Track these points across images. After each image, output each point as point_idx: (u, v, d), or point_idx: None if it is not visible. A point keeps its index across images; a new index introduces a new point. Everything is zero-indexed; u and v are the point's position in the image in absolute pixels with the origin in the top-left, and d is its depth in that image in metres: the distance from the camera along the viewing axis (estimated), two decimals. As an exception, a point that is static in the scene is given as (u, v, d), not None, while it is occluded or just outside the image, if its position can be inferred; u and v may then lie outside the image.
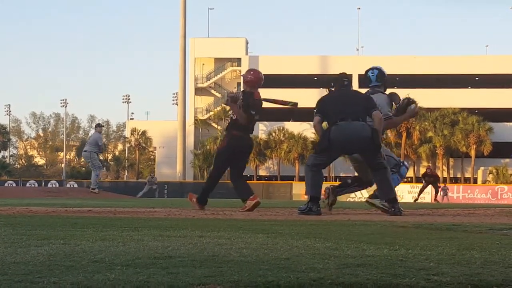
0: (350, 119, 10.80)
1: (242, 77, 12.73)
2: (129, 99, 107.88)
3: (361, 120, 10.87)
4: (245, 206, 12.11)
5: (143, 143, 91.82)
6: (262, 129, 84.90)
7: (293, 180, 69.66)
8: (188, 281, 3.03)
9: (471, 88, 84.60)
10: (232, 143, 12.45)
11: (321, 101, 11.33)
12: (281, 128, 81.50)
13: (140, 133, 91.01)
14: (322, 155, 11.05)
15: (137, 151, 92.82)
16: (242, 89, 12.64)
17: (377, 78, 12.18)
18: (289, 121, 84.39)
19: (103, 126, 30.79)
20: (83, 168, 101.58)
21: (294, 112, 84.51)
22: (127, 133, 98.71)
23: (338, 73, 11.67)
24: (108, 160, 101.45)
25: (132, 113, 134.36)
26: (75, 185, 59.16)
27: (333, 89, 11.47)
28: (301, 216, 10.36)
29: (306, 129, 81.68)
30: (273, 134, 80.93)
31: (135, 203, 19.53)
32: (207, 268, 3.43)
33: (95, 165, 26.49)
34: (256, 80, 12.55)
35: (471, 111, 78.52)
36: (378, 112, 11.05)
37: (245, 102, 12.24)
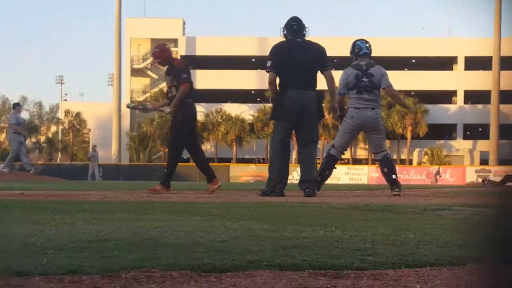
0: (301, 88, 10.78)
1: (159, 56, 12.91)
2: (62, 80, 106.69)
3: (311, 89, 10.87)
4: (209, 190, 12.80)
5: (77, 125, 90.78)
6: (199, 111, 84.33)
7: (230, 163, 69.71)
8: (122, 264, 2.99)
9: (407, 70, 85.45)
10: (190, 110, 12.56)
11: (275, 55, 11.05)
12: (219, 109, 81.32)
13: (74, 114, 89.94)
14: (281, 124, 10.98)
15: (71, 133, 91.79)
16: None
17: None
18: (227, 102, 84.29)
19: (22, 105, 30.20)
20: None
21: (232, 94, 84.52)
22: (60, 114, 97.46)
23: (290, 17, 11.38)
24: (41, 142, 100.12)
25: (66, 94, 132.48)
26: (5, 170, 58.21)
27: (285, 33, 11.20)
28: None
29: (244, 111, 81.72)
30: (210, 116, 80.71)
31: (68, 186, 19.34)
32: (142, 252, 3.40)
33: (13, 147, 26.24)
34: (167, 52, 13.03)
35: (408, 93, 79.17)
36: (331, 72, 11.04)
37: (178, 75, 12.48)
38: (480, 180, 46.66)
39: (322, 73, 10.97)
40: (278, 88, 11.06)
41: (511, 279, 1.40)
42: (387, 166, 12.16)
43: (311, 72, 10.91)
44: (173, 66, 12.77)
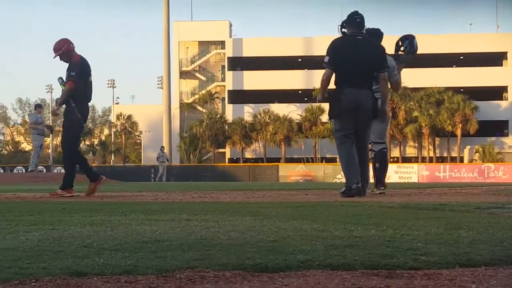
0: (358, 86, 10.51)
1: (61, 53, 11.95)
2: (114, 83, 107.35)
3: (367, 87, 10.61)
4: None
5: (129, 128, 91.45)
6: (247, 112, 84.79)
7: (279, 162, 69.67)
8: (176, 264, 3.05)
9: (456, 67, 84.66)
10: (74, 113, 11.75)
11: (333, 50, 10.60)
12: (267, 110, 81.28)
13: (125, 117, 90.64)
14: (340, 122, 10.59)
15: (123, 136, 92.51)
16: None
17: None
18: (274, 103, 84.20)
19: (42, 107, 31.70)
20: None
21: (279, 94, 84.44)
22: (113, 117, 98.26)
23: (351, 11, 10.83)
24: (94, 145, 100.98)
25: (118, 98, 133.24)
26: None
27: (344, 30, 10.72)
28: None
29: (292, 111, 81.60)
30: (259, 116, 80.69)
31: (122, 187, 19.50)
32: (195, 252, 3.44)
33: (33, 145, 27.13)
34: (67, 46, 11.97)
35: (456, 90, 78.46)
36: (386, 75, 10.72)
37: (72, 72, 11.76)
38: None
39: (377, 73, 10.67)
40: (334, 85, 10.74)
41: None
42: (380, 162, 11.89)
43: (370, 71, 10.60)
44: (71, 62, 11.96)
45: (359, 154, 10.80)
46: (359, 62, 10.45)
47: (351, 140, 10.69)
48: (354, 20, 10.66)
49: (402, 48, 12.00)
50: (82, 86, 11.80)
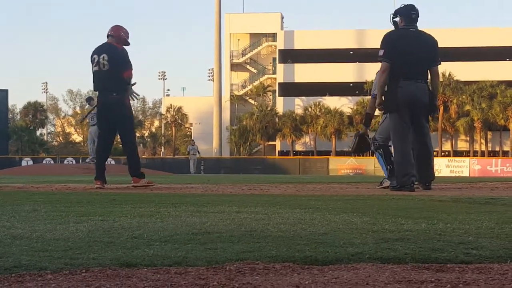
0: (414, 79, 10.29)
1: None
2: (164, 75, 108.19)
3: (423, 81, 10.40)
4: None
5: (179, 120, 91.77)
6: (298, 104, 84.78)
7: (329, 155, 69.51)
8: (226, 256, 3.06)
9: (509, 60, 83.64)
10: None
11: (388, 43, 10.48)
12: (317, 103, 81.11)
13: (176, 109, 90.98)
14: (397, 115, 10.37)
15: (173, 128, 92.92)
16: None
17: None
18: (326, 96, 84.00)
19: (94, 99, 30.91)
20: (120, 145, 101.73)
21: (330, 87, 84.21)
22: (163, 109, 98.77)
23: (404, 4, 10.63)
24: (145, 137, 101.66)
25: (168, 90, 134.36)
26: (112, 162, 59.34)
27: (396, 20, 10.57)
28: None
29: (343, 105, 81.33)
30: (309, 109, 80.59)
31: (171, 179, 19.64)
32: (245, 244, 3.45)
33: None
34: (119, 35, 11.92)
35: (510, 83, 77.52)
36: (437, 69, 10.59)
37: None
38: None
39: (430, 67, 10.57)
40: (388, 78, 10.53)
41: None
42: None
43: (424, 64, 10.45)
44: None
45: (419, 149, 10.56)
46: (414, 55, 10.30)
47: (407, 134, 10.47)
48: (409, 15, 10.48)
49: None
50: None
